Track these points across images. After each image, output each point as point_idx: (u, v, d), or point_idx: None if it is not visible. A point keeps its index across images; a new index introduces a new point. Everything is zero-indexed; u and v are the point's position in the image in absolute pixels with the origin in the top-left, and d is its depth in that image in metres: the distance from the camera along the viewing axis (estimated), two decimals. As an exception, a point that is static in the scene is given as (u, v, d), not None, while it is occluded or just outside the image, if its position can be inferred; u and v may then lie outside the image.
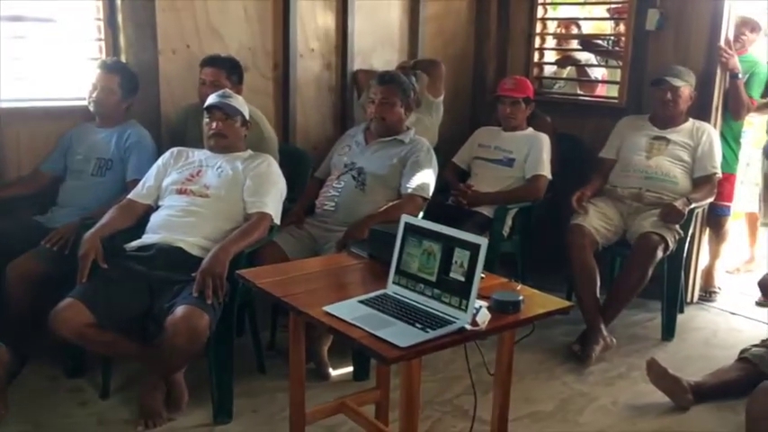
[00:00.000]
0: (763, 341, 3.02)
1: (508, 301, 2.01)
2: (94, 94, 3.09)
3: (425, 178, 3.11)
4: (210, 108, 2.84)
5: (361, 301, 2.02)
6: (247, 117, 2.92)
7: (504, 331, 2.08)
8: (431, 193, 3.14)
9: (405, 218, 2.11)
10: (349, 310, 1.96)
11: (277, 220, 2.78)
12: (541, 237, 3.72)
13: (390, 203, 3.06)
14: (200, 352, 2.45)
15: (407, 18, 4.17)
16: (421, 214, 3.07)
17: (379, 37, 4.08)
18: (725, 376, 2.90)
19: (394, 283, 2.09)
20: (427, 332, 1.83)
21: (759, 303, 3.99)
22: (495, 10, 4.48)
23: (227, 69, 3.20)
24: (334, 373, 2.97)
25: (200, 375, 2.65)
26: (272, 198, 2.77)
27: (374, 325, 1.87)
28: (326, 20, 3.87)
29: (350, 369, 2.98)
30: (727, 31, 3.66)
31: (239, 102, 2.89)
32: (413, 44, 4.19)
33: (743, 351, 3.00)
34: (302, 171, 3.38)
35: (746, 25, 3.91)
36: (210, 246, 2.57)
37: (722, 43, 3.62)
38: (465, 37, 4.49)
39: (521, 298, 2.04)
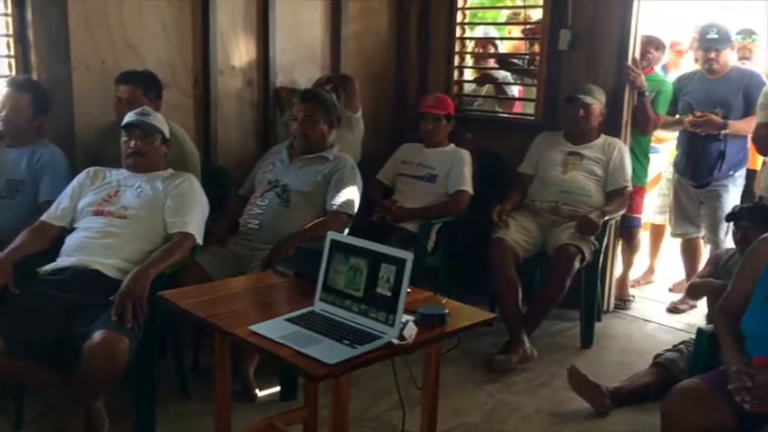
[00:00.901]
0: (674, 346, 3.16)
1: (434, 314, 2.04)
2: (3, 113, 2.96)
3: (350, 195, 3.12)
4: (128, 126, 2.77)
5: (288, 320, 2.01)
6: (167, 135, 2.86)
7: (430, 344, 2.11)
8: (356, 210, 3.15)
9: (331, 234, 2.11)
10: (276, 328, 1.94)
11: (199, 240, 2.72)
12: (464, 251, 3.79)
13: (316, 221, 3.05)
14: (120, 378, 2.37)
15: (329, 36, 4.19)
16: (346, 231, 3.08)
17: (301, 54, 4.08)
18: (640, 381, 3.02)
19: (321, 300, 2.09)
20: (355, 348, 1.83)
21: (670, 310, 4.18)
22: (414, 29, 4.56)
23: (144, 86, 3.12)
24: (260, 393, 2.93)
25: (120, 401, 2.56)
26: (194, 217, 2.72)
27: (301, 343, 1.86)
28: (247, 36, 3.84)
29: (277, 389, 2.94)
30: (634, 50, 3.85)
31: (158, 119, 2.83)
32: (335, 61, 4.22)
33: (656, 356, 3.13)
34: (225, 189, 3.33)
35: (651, 43, 4.11)
36: (130, 268, 2.49)
37: (629, 62, 3.80)
38: (386, 55, 4.55)
39: (446, 311, 2.07)
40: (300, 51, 4.08)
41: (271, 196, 3.13)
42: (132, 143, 2.76)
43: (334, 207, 3.07)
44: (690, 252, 4.29)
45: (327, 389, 1.95)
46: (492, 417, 2.87)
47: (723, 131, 3.80)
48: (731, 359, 2.02)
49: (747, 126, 3.66)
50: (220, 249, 3.06)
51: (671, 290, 4.50)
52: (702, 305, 3.52)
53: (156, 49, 3.51)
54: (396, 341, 1.90)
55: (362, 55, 4.40)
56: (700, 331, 2.33)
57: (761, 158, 3.71)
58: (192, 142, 3.28)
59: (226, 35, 3.74)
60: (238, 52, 3.82)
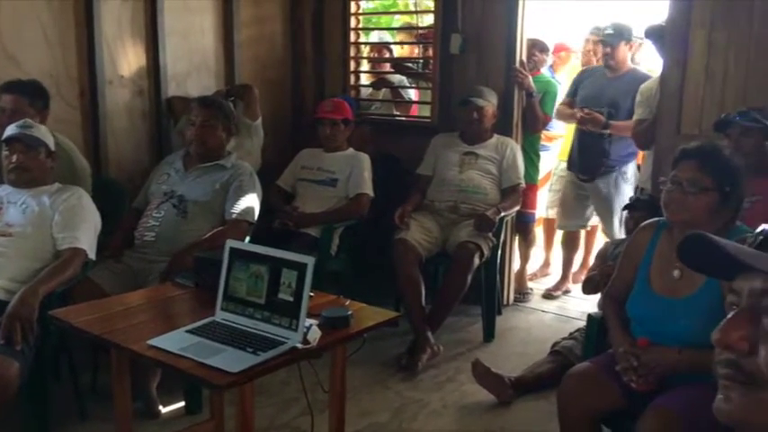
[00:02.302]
0: (570, 334, 3.32)
1: (337, 316, 2.06)
2: None
3: (250, 202, 3.09)
4: (9, 140, 2.64)
5: (189, 331, 1.97)
6: (52, 147, 2.74)
7: (335, 346, 2.12)
8: (256, 217, 3.13)
9: (230, 243, 2.09)
10: (176, 341, 1.90)
11: (92, 255, 2.63)
12: (368, 253, 3.82)
13: (215, 230, 3.00)
14: (11, 402, 2.25)
15: (222, 43, 4.14)
16: (247, 239, 3.04)
17: (193, 62, 4.01)
18: (540, 369, 3.15)
19: (222, 309, 2.06)
20: (258, 355, 1.82)
21: (545, 296, 4.41)
22: (309, 35, 4.57)
23: (30, 95, 2.96)
24: (164, 409, 2.85)
25: (12, 426, 2.42)
26: (85, 232, 2.62)
27: (203, 354, 1.83)
28: (136, 45, 3.73)
29: (182, 404, 2.87)
30: (521, 53, 4.00)
31: (42, 132, 2.71)
32: (229, 69, 4.16)
33: (554, 344, 3.28)
34: (118, 203, 3.22)
35: (536, 47, 4.30)
36: (18, 288, 2.37)
37: (517, 65, 3.96)
38: (282, 61, 4.54)
39: (349, 313, 2.10)
40: (193, 59, 4.00)
41: (167, 207, 3.06)
42: (14, 157, 2.63)
43: (234, 215, 3.03)
44: (569, 243, 4.51)
45: (233, 399, 1.93)
46: (400, 415, 2.91)
47: (605, 131, 4.01)
48: (618, 341, 2.14)
49: (628, 127, 3.85)
50: (115, 264, 2.95)
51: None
52: (576, 290, 3.67)
53: (37, 59, 3.34)
54: (300, 345, 1.90)
55: (258, 62, 4.37)
56: (590, 317, 2.46)
57: (643, 153, 3.95)
58: (81, 155, 3.15)
59: (112, 43, 3.61)
60: (127, 61, 3.70)
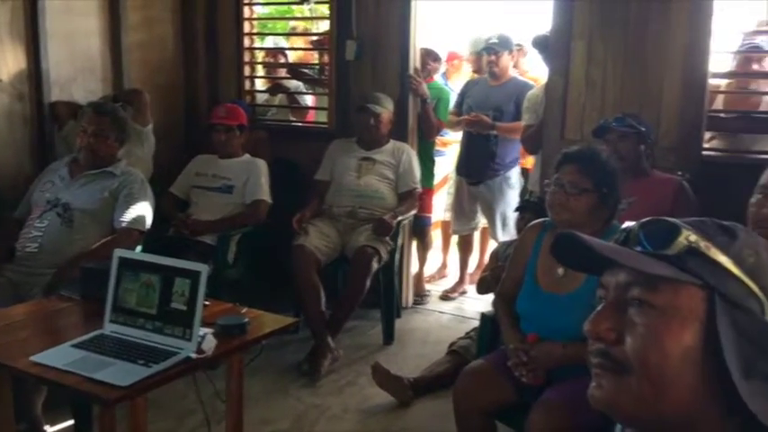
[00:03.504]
0: (467, 333, 3.42)
1: (233, 324, 2.04)
2: None
3: (141, 210, 2.99)
4: None
5: (75, 345, 1.90)
6: None
7: (231, 355, 2.09)
8: (148, 226, 3.03)
9: (118, 252, 2.03)
10: (61, 356, 1.83)
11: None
12: (267, 260, 3.79)
13: (104, 240, 2.89)
14: None
15: (109, 47, 3.99)
16: (139, 248, 2.95)
17: (79, 66, 3.84)
18: (438, 369, 3.22)
19: (111, 321, 2.00)
20: (150, 367, 1.78)
21: (442, 297, 4.51)
22: (202, 39, 4.49)
23: None
24: (51, 429, 2.71)
25: None
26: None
27: (91, 368, 1.77)
28: (15, 48, 3.53)
29: (70, 422, 2.74)
30: (415, 61, 4.09)
31: None
32: (117, 73, 4.01)
33: (451, 344, 3.36)
34: (-3, 213, 3.04)
35: (430, 56, 4.41)
36: None
37: (411, 72, 4.04)
38: (173, 66, 4.43)
39: (246, 320, 2.08)
40: (78, 63, 3.84)
41: (51, 216, 2.91)
42: None
43: (124, 224, 2.93)
44: (464, 246, 4.64)
45: (126, 415, 1.86)
46: (301, 421, 2.90)
47: (492, 132, 4.18)
48: (509, 338, 2.23)
49: (513, 128, 4.07)
50: (-6, 278, 2.78)
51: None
52: (473, 291, 3.78)
53: None
54: (194, 355, 1.87)
55: (148, 66, 4.24)
56: (483, 316, 2.54)
57: (532, 158, 4.12)
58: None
59: (-11, 45, 3.42)
60: (5, 65, 3.50)
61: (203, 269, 1.92)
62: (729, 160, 3.27)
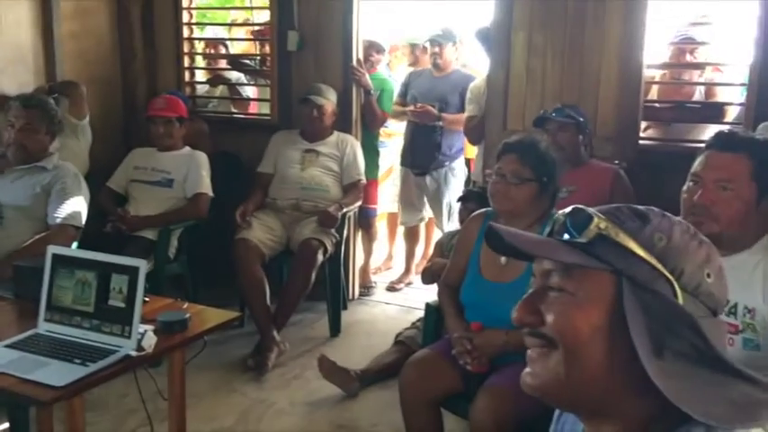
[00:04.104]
0: (413, 323, 3.44)
1: (174, 320, 2.00)
2: None
3: (75, 206, 2.90)
4: None
5: (9, 345, 1.84)
6: None
7: (173, 351, 2.05)
8: (84, 221, 2.94)
9: (51, 249, 1.96)
10: (-8, 357, 1.76)
11: None
12: (210, 254, 3.73)
13: (37, 236, 2.79)
14: None
15: (40, 37, 3.84)
16: (75, 244, 2.86)
17: (7, 57, 3.68)
18: (385, 360, 3.23)
19: (46, 320, 1.93)
20: (87, 366, 1.73)
21: (389, 289, 4.52)
22: (138, 30, 4.37)
23: None
24: (-15, 434, 2.61)
25: None
26: None
27: (25, 369, 1.71)
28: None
29: (6, 425, 2.64)
30: (358, 52, 4.07)
31: None
32: (49, 65, 3.86)
33: (398, 335, 3.38)
34: None
35: (373, 47, 4.40)
36: None
37: (354, 63, 4.02)
38: (109, 57, 4.30)
39: (187, 316, 2.04)
40: (6, 54, 3.68)
41: (-21, 214, 2.80)
42: None
43: (58, 220, 2.84)
44: (410, 237, 4.67)
45: (64, 416, 1.81)
46: (247, 416, 2.87)
47: (438, 123, 4.20)
48: (453, 327, 2.25)
49: (458, 119, 4.10)
50: None
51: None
52: (419, 281, 3.81)
53: None
54: (134, 353, 1.83)
55: (83, 58, 4.10)
56: (427, 306, 2.56)
57: (475, 148, 4.17)
58: None
59: None
60: (-73, 54, 3.35)
61: (142, 265, 1.87)
62: (664, 149, 3.37)
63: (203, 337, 2.09)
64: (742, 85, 3.26)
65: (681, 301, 0.76)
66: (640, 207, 0.82)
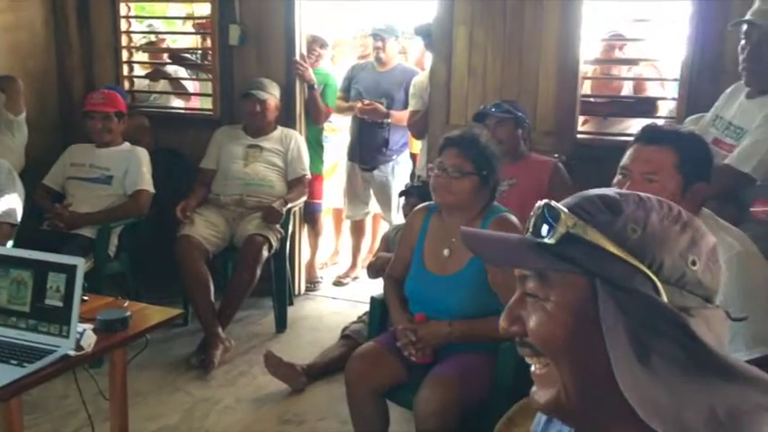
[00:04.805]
0: (359, 317, 3.45)
1: (114, 319, 1.97)
2: None
3: (10, 203, 2.82)
4: None
5: (-61, 349, 1.77)
6: None
7: (113, 350, 2.02)
8: (19, 219, 2.86)
9: (-16, 247, 1.90)
10: (-77, 360, 1.70)
11: None
12: (152, 251, 3.67)
13: (-31, 236, 2.70)
14: None
15: (-28, 30, 3.72)
16: (10, 243, 2.79)
17: (-64, 50, 3.56)
18: (331, 354, 3.24)
19: (-21, 321, 1.87)
20: (24, 367, 1.69)
21: (335, 283, 4.53)
22: (74, 23, 4.25)
23: None
24: None
25: None
26: None
27: (-43, 372, 1.66)
28: None
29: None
30: (301, 47, 4.06)
31: None
32: (-18, 59, 3.75)
33: (344, 329, 3.39)
34: None
35: (316, 42, 4.38)
36: None
37: (297, 58, 4.01)
38: (44, 51, 4.18)
39: (128, 314, 2.01)
40: (-65, 47, 3.55)
41: None
42: None
43: (-8, 218, 2.76)
44: (356, 231, 4.68)
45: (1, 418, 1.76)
46: (192, 415, 2.84)
47: (386, 120, 4.22)
48: (397, 319, 2.27)
49: (405, 116, 4.10)
50: None
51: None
52: (364, 275, 3.83)
53: None
54: (72, 353, 1.79)
55: (15, 51, 3.98)
56: (372, 299, 2.58)
57: (419, 143, 4.20)
58: None
59: None
60: None
61: (79, 263, 1.84)
62: (601, 142, 3.46)
63: (145, 336, 2.07)
64: (674, 80, 3.38)
65: (664, 295, 0.69)
66: (613, 195, 0.74)
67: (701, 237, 0.72)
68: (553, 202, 0.75)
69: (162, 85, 4.55)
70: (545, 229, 0.74)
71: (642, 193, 0.74)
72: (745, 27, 2.28)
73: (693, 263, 0.70)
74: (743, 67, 2.30)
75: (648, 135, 1.71)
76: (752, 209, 2.18)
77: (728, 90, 2.46)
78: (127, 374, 2.15)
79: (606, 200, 0.73)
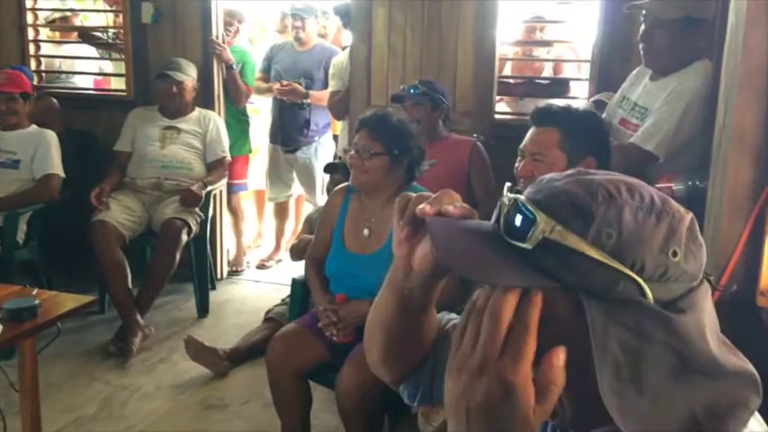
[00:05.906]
0: (283, 300, 3.43)
1: (22, 307, 1.90)
2: None
3: None
4: None
5: None
6: None
7: (22, 340, 1.94)
8: None
9: None
10: None
11: None
12: (66, 238, 3.54)
13: None
14: None
15: None
16: None
17: None
18: (254, 337, 3.21)
19: None
20: None
21: (258, 267, 4.49)
22: (-26, -2, 4.03)
23: None
24: None
25: None
26: None
27: None
28: None
29: None
30: (218, 26, 3.97)
31: None
32: None
33: (267, 312, 3.37)
34: None
35: (234, 17, 4.28)
36: None
37: (214, 37, 3.91)
38: (-59, 27, 3.94)
39: (37, 302, 1.94)
40: None
41: None
42: None
43: None
44: (279, 213, 4.64)
45: None
46: (110, 404, 2.77)
47: (306, 100, 4.18)
48: (319, 300, 2.28)
49: (325, 96, 4.07)
50: None
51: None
52: (287, 258, 3.82)
53: None
54: (-24, 344, 1.71)
55: None
56: (294, 281, 2.57)
57: (340, 124, 4.19)
58: None
59: None
60: None
61: (-18, 250, 1.75)
62: (518, 122, 3.52)
63: (57, 324, 2.00)
64: (587, 61, 3.49)
65: (649, 293, 0.64)
66: (581, 196, 0.67)
67: (678, 220, 0.67)
68: (523, 198, 0.69)
69: (69, 64, 4.36)
70: (518, 227, 0.67)
71: (609, 185, 0.67)
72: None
73: (674, 253, 0.65)
74: (641, 48, 2.39)
75: (538, 116, 1.80)
76: (656, 185, 2.28)
77: (634, 72, 2.56)
78: (39, 365, 2.07)
79: (575, 204, 0.67)
